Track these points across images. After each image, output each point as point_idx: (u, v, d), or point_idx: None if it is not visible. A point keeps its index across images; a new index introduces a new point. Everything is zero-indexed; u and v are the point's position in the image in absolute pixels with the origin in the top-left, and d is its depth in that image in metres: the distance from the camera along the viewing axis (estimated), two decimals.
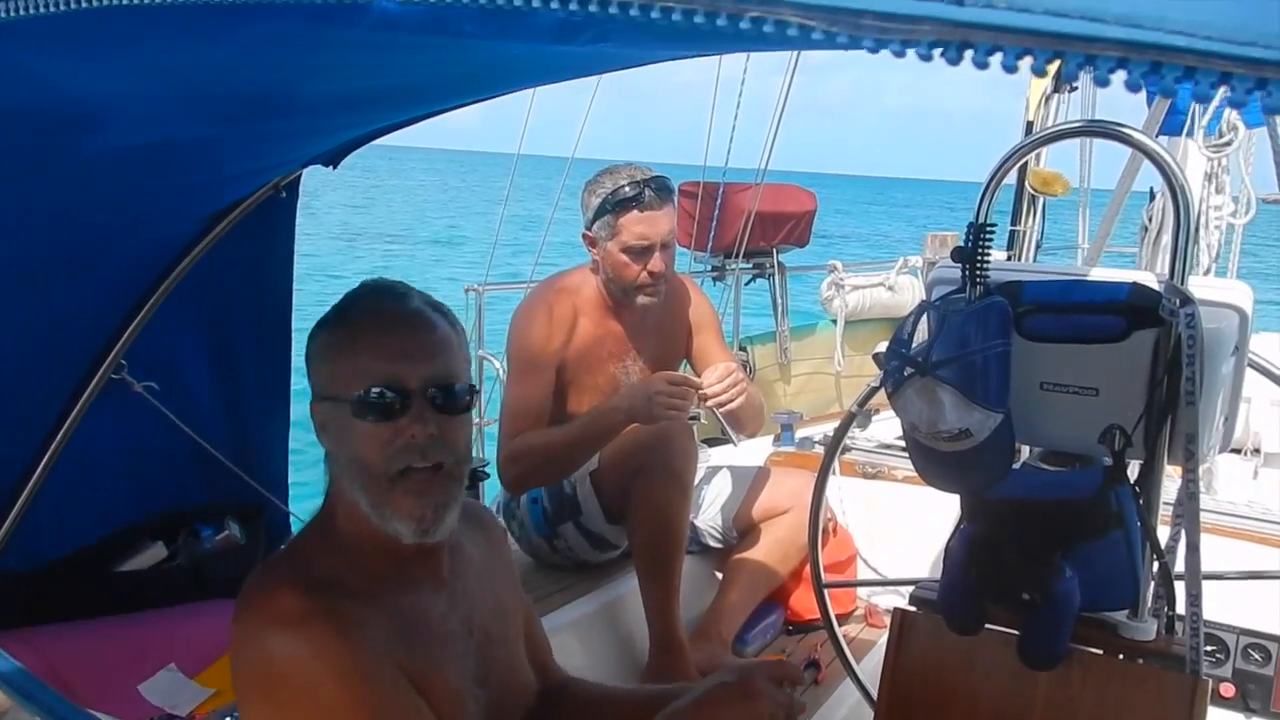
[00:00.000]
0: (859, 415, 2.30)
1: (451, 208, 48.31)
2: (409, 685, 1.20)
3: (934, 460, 1.60)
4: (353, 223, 34.94)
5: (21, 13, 0.86)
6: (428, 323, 1.26)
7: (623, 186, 2.55)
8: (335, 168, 1.93)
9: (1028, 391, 1.58)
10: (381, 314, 1.25)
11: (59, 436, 2.08)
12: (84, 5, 0.84)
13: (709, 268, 5.72)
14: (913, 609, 1.80)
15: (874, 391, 2.19)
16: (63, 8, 0.84)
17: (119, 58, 1.14)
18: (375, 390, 1.19)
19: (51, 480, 2.08)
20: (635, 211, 2.54)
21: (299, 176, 2.05)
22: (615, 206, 2.55)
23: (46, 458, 2.06)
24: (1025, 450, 1.88)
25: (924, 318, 1.60)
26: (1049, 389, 1.59)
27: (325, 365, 1.24)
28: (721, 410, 2.53)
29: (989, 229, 1.58)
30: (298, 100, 1.52)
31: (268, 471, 2.49)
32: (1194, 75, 0.49)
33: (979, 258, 1.56)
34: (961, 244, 1.59)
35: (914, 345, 1.56)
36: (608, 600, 2.60)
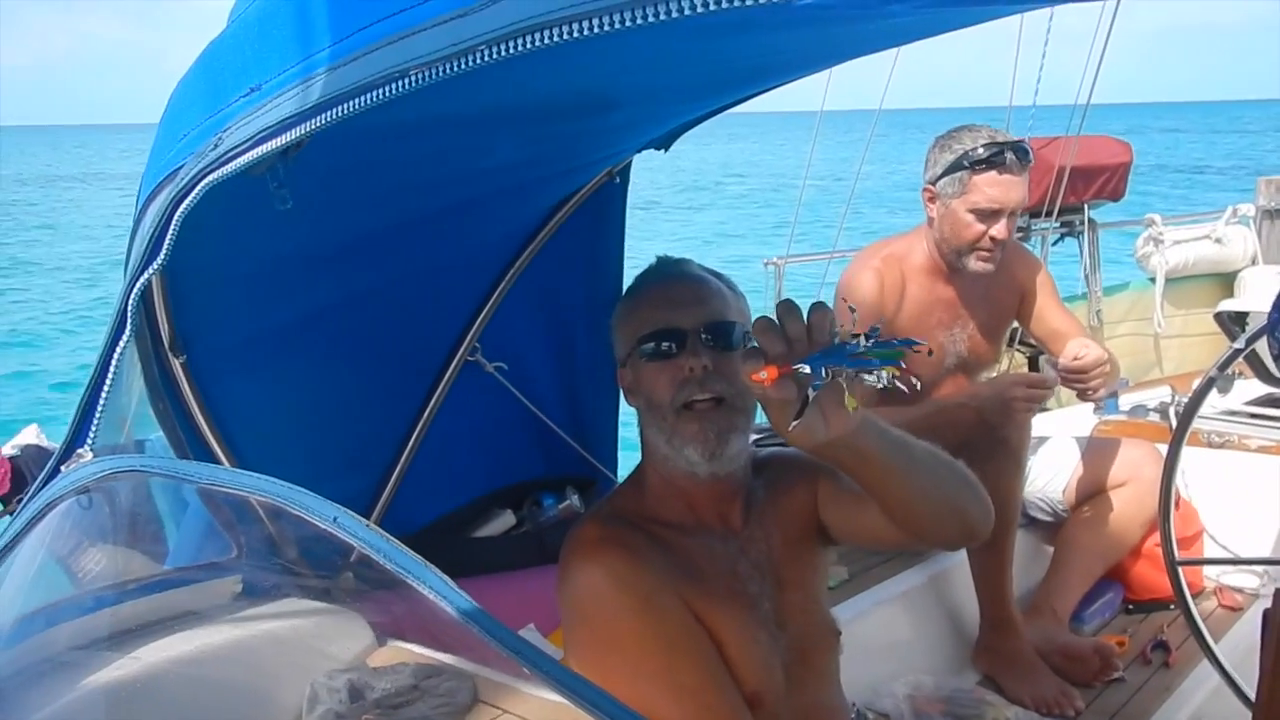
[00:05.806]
0: (1219, 380, 2.12)
1: (748, 175, 46.70)
2: (692, 616, 1.31)
3: None
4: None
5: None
6: (699, 277, 1.41)
7: (983, 145, 2.43)
8: (667, 150, 2.00)
9: None
10: (659, 275, 1.42)
11: (425, 414, 2.30)
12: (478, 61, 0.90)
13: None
14: None
15: (1238, 354, 2.02)
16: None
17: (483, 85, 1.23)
18: (653, 333, 1.34)
19: (420, 454, 2.30)
20: (993, 173, 2.41)
21: (630, 162, 2.14)
22: (972, 164, 2.42)
23: (416, 433, 2.29)
24: None
25: None
26: None
27: (619, 331, 1.41)
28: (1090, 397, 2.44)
29: None
30: (635, 93, 1.59)
31: (599, 445, 2.63)
32: None
33: None
34: None
35: None
36: (936, 572, 2.55)
